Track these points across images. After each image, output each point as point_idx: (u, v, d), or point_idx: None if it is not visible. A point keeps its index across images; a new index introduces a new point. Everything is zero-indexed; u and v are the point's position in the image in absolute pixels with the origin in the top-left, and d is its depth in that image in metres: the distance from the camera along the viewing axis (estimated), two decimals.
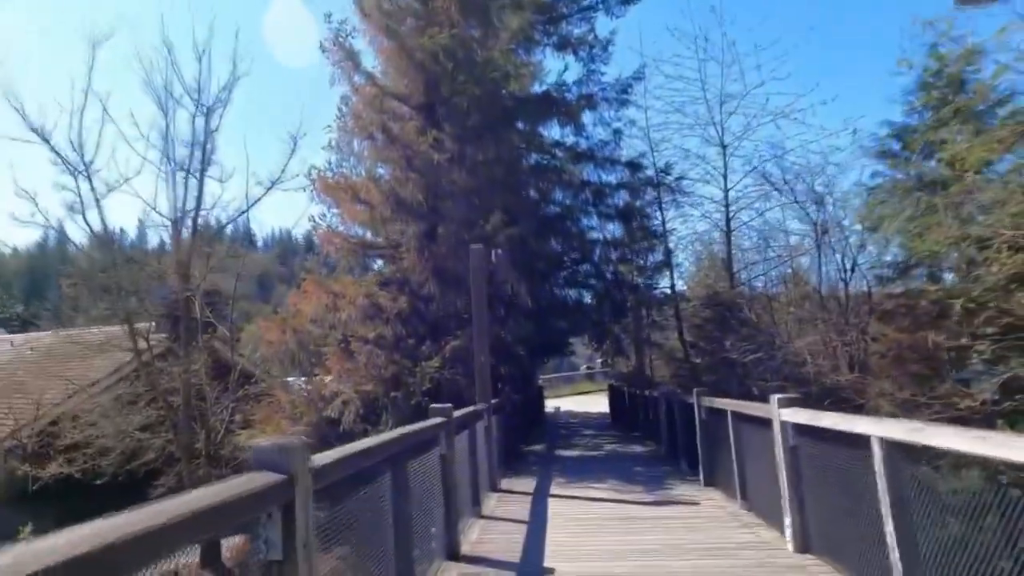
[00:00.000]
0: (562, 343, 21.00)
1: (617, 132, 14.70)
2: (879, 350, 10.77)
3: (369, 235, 12.75)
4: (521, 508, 6.61)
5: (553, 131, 14.69)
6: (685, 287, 19.21)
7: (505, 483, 8.21)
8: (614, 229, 16.36)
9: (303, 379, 11.00)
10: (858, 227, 12.48)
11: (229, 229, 11.93)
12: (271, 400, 11.63)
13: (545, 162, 13.80)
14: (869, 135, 11.17)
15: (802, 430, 4.48)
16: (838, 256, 12.44)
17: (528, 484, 8.25)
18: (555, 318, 13.04)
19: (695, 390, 7.70)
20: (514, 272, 8.90)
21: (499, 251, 8.08)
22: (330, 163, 12.05)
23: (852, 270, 11.80)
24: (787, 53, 26.97)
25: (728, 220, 18.16)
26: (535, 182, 14.01)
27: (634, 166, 14.83)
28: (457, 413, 5.27)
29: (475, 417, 6.66)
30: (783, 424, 4.71)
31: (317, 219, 11.73)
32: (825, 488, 4.17)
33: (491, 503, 6.98)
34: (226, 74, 19.75)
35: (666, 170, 14.61)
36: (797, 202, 13.59)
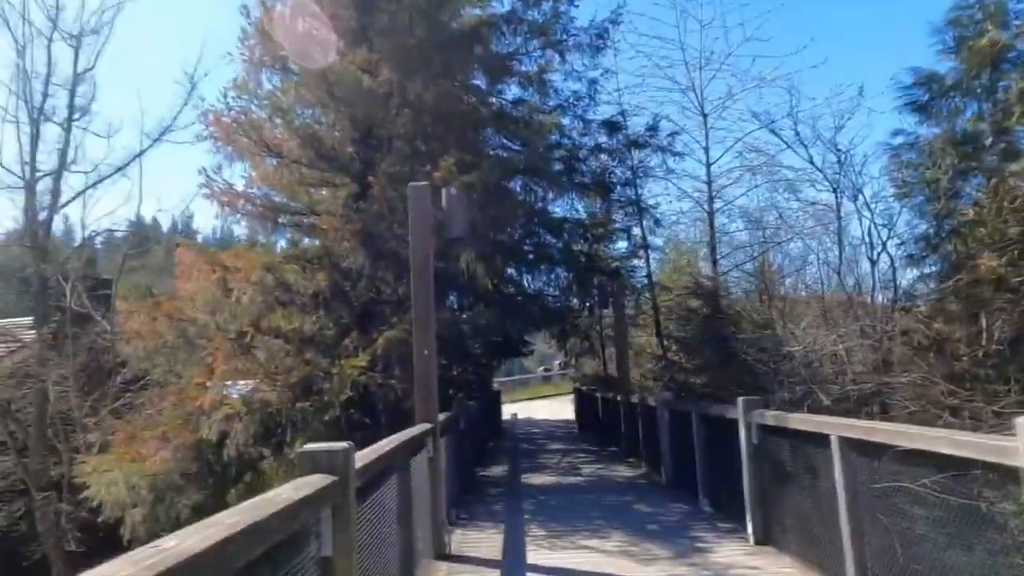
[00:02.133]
0: (520, 340, 18.45)
1: (593, 84, 12.19)
2: (921, 341, 8.62)
3: (282, 199, 9.80)
4: None
5: (513, 90, 12.13)
6: (656, 276, 16.97)
7: (458, 540, 5.52)
8: (587, 204, 13.88)
9: (180, 382, 8.00)
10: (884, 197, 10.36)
11: (167, 225, 8.97)
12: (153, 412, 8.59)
13: (509, 111, 11.13)
14: (892, 85, 8.98)
15: None
16: (863, 229, 10.27)
17: (492, 539, 5.59)
18: (516, 310, 10.43)
19: (741, 399, 5.22)
20: (470, 229, 6.26)
21: (452, 190, 5.41)
22: (227, 102, 9.06)
23: (883, 247, 9.64)
24: (771, 11, 24.63)
25: (711, 199, 16.01)
26: (496, 138, 11.38)
27: (613, 126, 12.35)
28: (364, 461, 2.57)
29: (405, 454, 3.94)
30: None
31: (210, 173, 8.72)
32: None
33: None
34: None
35: (654, 127, 12.20)
36: (812, 163, 11.35)
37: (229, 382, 7.93)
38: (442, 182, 7.08)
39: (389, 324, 7.87)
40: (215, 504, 6.82)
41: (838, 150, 10.69)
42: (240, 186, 9.65)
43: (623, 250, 15.19)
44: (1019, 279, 7.70)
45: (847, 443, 3.66)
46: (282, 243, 10.11)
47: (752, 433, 5.10)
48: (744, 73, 15.15)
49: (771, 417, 4.74)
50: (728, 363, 10.52)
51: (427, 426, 5.14)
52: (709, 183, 16.10)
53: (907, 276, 10.06)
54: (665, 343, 14.84)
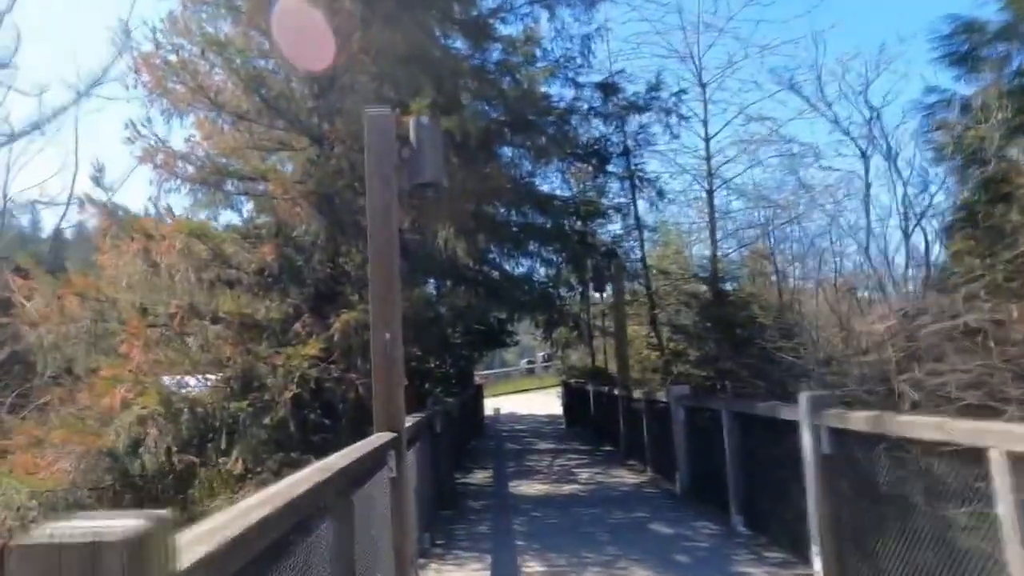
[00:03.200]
0: (504, 330, 17.14)
1: (586, 42, 10.80)
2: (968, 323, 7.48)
3: (230, 163, 8.29)
4: None
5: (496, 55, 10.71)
6: (651, 260, 15.75)
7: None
8: (578, 180, 12.59)
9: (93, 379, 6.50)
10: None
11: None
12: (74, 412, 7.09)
13: (491, 71, 9.72)
14: (927, 37, 7.81)
15: None
16: (897, 199, 9.13)
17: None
18: (501, 292, 9.09)
19: (805, 395, 3.95)
20: (446, 174, 4.89)
21: (423, 119, 4.07)
22: (157, 39, 7.50)
23: (920, 218, 8.49)
24: None
25: (710, 176, 14.81)
26: (477, 104, 9.96)
27: (608, 88, 10.99)
28: (210, 544, 1.20)
29: (344, 486, 2.56)
30: None
31: (139, 126, 7.18)
32: None
33: None
34: None
35: (656, 86, 10.85)
36: (838, 123, 10.17)
37: (166, 377, 6.49)
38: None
39: (351, 306, 6.49)
40: None
41: (869, 107, 9.52)
42: (183, 148, 8.14)
43: (617, 232, 13.94)
44: None
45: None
46: (234, 219, 8.57)
47: (822, 440, 3.84)
48: (747, 40, 13.98)
49: (860, 421, 3.47)
50: (741, 353, 9.33)
51: (388, 436, 3.79)
52: (708, 159, 14.92)
53: (939, 253, 8.97)
54: (662, 332, 13.65)
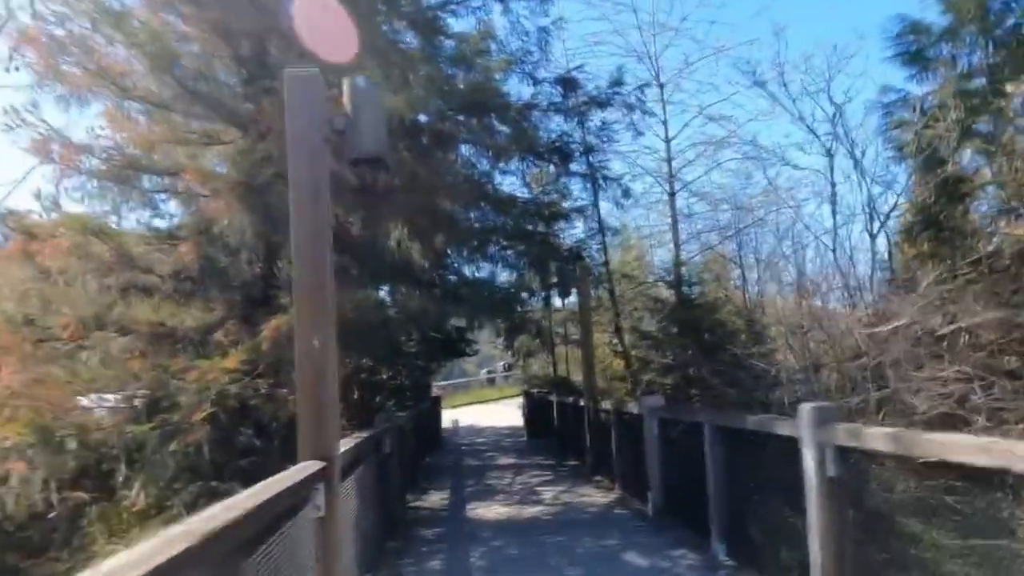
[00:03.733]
0: (463, 339, 16.42)
1: (544, 35, 10.26)
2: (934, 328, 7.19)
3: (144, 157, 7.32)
4: None
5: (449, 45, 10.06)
6: (614, 264, 15.31)
7: None
8: (537, 180, 12.05)
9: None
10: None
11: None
12: None
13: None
14: (881, 36, 7.58)
15: None
16: (863, 199, 8.85)
17: None
18: (459, 296, 8.40)
19: (807, 407, 3.40)
20: (390, 147, 4.19)
21: (360, 80, 3.36)
22: (34, 8, 6.48)
23: (885, 220, 8.20)
24: None
25: (671, 178, 14.50)
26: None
27: (569, 83, 10.47)
28: None
29: (254, 540, 1.82)
30: None
31: (25, 112, 6.16)
32: None
33: None
34: None
35: (619, 81, 10.42)
36: (802, 119, 9.88)
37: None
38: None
39: (286, 311, 5.70)
40: None
41: (833, 103, 9.25)
42: (85, 140, 7.13)
43: (579, 236, 13.42)
44: None
45: None
46: (156, 221, 7.54)
47: (827, 460, 3.29)
48: (702, 42, 13.81)
49: (879, 439, 2.92)
50: (711, 359, 8.88)
51: (314, 468, 3.06)
52: (669, 160, 14.62)
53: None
54: (626, 339, 13.17)
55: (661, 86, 14.30)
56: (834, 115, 9.46)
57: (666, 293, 12.49)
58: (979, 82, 7.40)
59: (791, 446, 3.57)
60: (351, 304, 5.49)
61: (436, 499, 8.02)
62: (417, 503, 7.55)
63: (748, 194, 12.75)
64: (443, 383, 34.03)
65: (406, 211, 6.83)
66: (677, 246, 14.10)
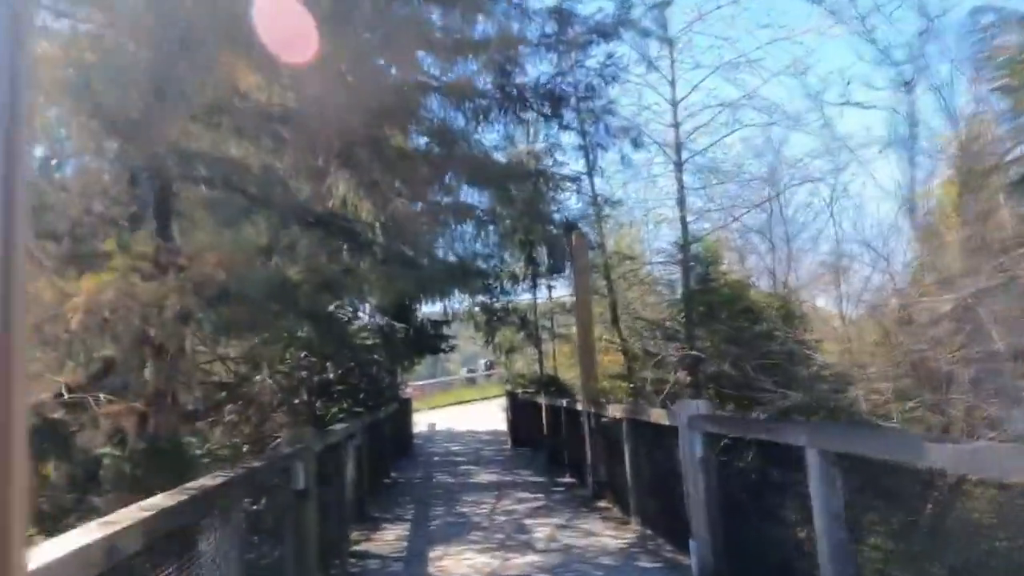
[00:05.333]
0: (439, 334, 14.39)
1: None
2: None
3: None
4: None
5: None
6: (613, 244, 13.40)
7: None
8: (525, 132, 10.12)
9: None
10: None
11: None
12: None
13: None
14: None
15: None
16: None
17: None
18: (416, 264, 6.40)
19: None
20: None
21: None
22: None
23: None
24: None
25: (678, 147, 12.62)
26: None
27: (564, 16, 8.53)
28: None
29: None
30: None
31: None
32: None
33: None
34: None
35: (627, 3, 8.48)
36: (873, 41, 7.98)
37: None
38: None
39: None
40: None
41: (923, 15, 7.34)
42: None
43: (572, 208, 11.52)
44: None
45: None
46: None
47: None
48: None
49: None
50: (749, 353, 6.98)
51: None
52: (676, 126, 12.75)
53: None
54: (625, 331, 11.28)
55: (670, 42, 12.45)
56: (922, 33, 7.54)
57: (673, 276, 10.60)
58: None
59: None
60: (214, 252, 3.46)
61: (391, 538, 6.00)
62: (363, 548, 5.52)
63: (783, 155, 10.90)
64: (422, 383, 31.88)
65: (335, 136, 4.80)
66: (684, 226, 12.23)
